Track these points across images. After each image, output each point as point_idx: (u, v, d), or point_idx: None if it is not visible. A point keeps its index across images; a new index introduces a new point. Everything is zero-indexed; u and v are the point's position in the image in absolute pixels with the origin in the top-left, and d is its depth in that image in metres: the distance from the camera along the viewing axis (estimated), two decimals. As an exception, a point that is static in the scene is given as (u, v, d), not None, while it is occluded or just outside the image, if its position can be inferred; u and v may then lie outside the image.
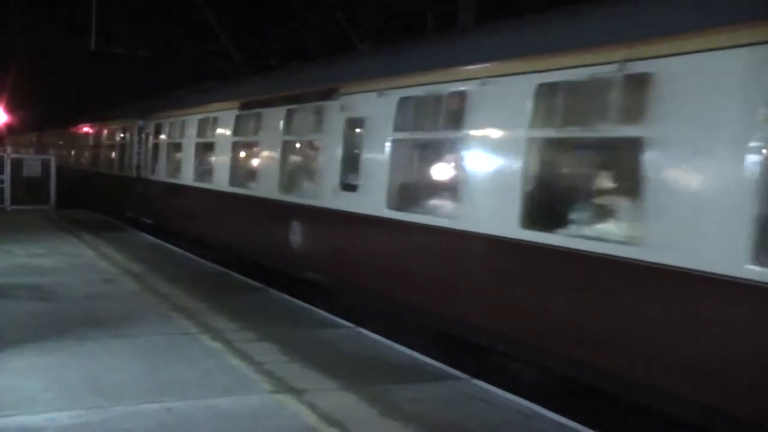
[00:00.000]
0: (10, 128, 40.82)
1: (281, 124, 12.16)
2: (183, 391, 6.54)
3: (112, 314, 9.33)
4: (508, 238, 7.16)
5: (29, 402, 6.08)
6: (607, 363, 6.20)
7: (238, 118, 13.90)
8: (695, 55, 5.67)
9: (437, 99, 8.49)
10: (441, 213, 8.40)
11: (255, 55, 24.31)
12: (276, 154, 12.25)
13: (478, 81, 7.81)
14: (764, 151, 5.16)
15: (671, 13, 6.22)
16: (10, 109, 36.37)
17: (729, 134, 5.41)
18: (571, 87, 6.74)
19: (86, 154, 28.75)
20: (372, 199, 9.40)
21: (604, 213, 6.60)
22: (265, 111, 12.77)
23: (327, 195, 10.46)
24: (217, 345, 8.12)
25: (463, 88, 8.05)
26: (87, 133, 28.76)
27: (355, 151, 9.98)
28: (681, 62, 5.76)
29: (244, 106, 13.67)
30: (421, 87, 8.78)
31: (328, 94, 10.70)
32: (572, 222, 6.76)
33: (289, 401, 6.40)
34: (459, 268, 7.98)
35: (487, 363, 8.10)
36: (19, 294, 10.29)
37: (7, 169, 23.25)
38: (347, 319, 9.68)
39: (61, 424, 5.66)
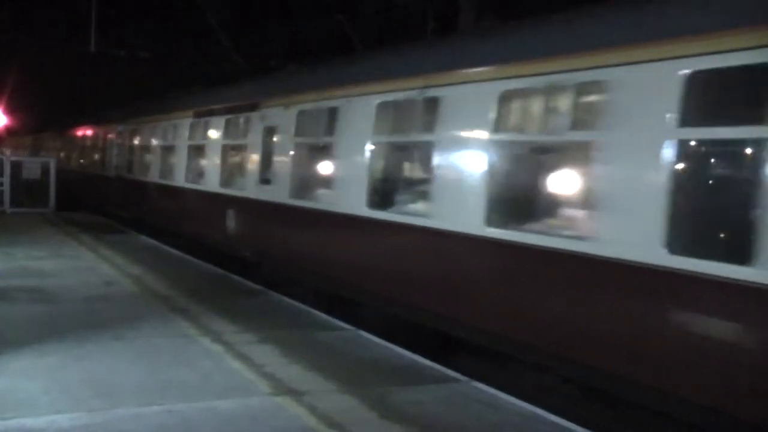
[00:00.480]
0: (9, 131, 40.84)
1: (221, 130, 14.89)
2: (183, 393, 6.55)
3: (112, 316, 9.34)
4: (359, 215, 9.73)
5: (30, 404, 6.09)
6: (492, 324, 7.62)
7: (191, 125, 16.60)
8: (463, 86, 8.19)
9: (321, 112, 11.06)
10: (324, 199, 10.85)
11: (255, 56, 24.33)
12: (218, 156, 14.94)
13: (345, 99, 10.31)
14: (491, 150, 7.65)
15: (451, 55, 8.92)
16: (10, 111, 36.40)
17: (477, 138, 7.86)
18: (396, 105, 9.39)
19: (75, 156, 30.38)
20: (281, 191, 11.94)
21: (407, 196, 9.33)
22: (211, 119, 15.47)
23: (251, 188, 13.05)
24: (217, 347, 8.14)
25: (335, 105, 10.56)
26: (77, 136, 30.42)
27: (270, 152, 12.49)
28: (456, 90, 8.27)
29: (196, 115, 16.35)
30: (310, 103, 11.45)
31: (253, 107, 13.33)
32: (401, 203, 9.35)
33: (289, 403, 6.41)
34: (329, 239, 10.75)
35: (486, 365, 8.13)
36: (19, 296, 10.30)
37: (7, 171, 23.23)
38: (347, 322, 9.70)
39: (61, 426, 5.66)
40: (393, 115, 9.45)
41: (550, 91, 6.98)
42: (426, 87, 8.58)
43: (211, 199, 14.81)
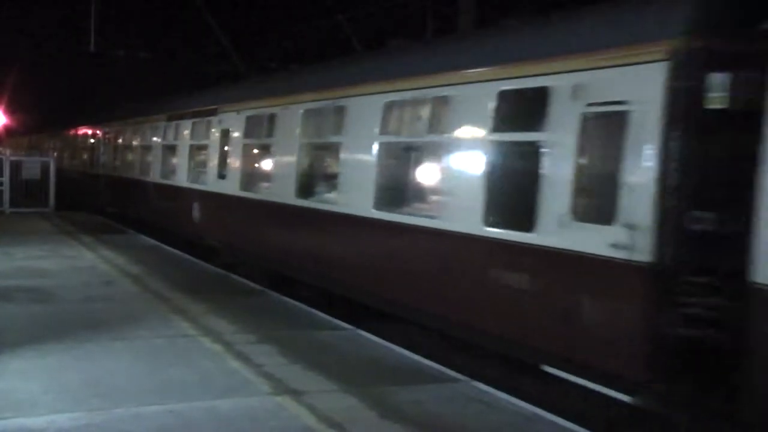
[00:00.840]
0: (9, 130, 40.84)
1: (189, 132, 17.11)
2: (183, 393, 6.55)
3: (111, 316, 9.34)
4: (288, 203, 11.87)
5: (29, 404, 6.09)
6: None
7: (165, 127, 18.81)
8: (358, 98, 10.28)
9: (262, 117, 13.28)
10: (264, 191, 13.05)
11: (255, 57, 24.34)
12: (186, 154, 17.20)
13: (280, 107, 12.52)
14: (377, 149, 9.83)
15: (351, 74, 11.15)
16: (10, 111, 36.40)
17: (369, 139, 9.92)
18: (317, 112, 11.42)
19: (67, 155, 31.59)
20: (232, 184, 14.13)
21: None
22: (180, 122, 17.72)
23: (212, 182, 15.20)
24: (217, 347, 8.14)
25: (272, 112, 12.86)
26: (69, 136, 31.96)
27: (225, 151, 14.67)
28: (356, 101, 10.33)
29: (169, 118, 18.58)
30: (254, 109, 13.70)
31: (213, 112, 15.55)
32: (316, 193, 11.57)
33: (288, 403, 6.42)
34: (260, 222, 13.20)
35: (486, 365, 8.15)
36: (18, 296, 10.30)
37: (6, 171, 23.22)
38: (347, 321, 9.70)
39: (61, 426, 5.67)
40: (315, 120, 11.55)
41: (416, 102, 9.09)
42: (337, 98, 10.73)
43: (181, 193, 17.00)
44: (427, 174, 9.28)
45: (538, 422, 6.32)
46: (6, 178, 23.16)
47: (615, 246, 6.12)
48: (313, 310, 10.37)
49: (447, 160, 8.38)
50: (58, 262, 13.51)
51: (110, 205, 23.68)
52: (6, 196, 23.07)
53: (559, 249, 6.73)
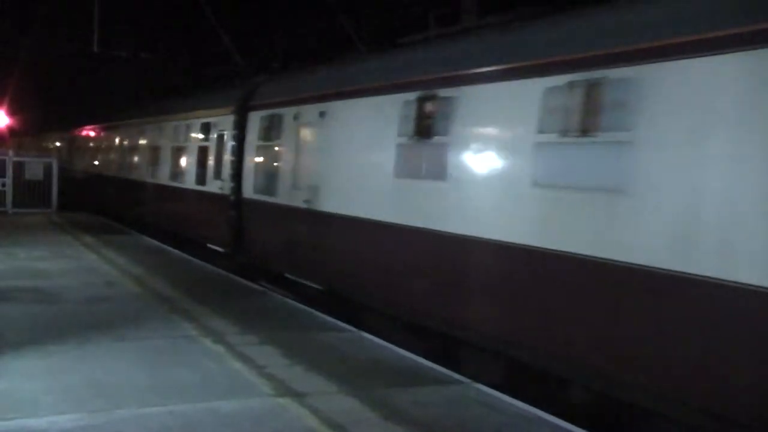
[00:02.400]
0: (11, 131, 40.86)
1: (150, 134, 20.61)
2: (185, 394, 6.55)
3: (113, 317, 9.34)
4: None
5: (31, 405, 6.08)
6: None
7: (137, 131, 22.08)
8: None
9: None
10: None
11: (257, 57, 24.32)
12: (147, 154, 20.80)
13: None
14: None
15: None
16: (13, 111, 36.41)
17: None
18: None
19: (63, 154, 32.89)
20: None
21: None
22: (147, 126, 21.23)
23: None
24: (218, 348, 8.13)
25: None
26: (63, 137, 34.25)
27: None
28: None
29: (145, 122, 21.58)
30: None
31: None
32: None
33: (290, 405, 6.41)
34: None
35: (488, 367, 8.12)
36: (21, 297, 10.31)
37: (9, 171, 23.24)
38: (349, 323, 9.69)
39: (63, 427, 5.66)
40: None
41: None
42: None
43: (147, 187, 20.14)
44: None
45: (540, 424, 6.31)
46: (9, 179, 23.18)
47: None
48: (315, 312, 10.37)
49: None
50: (60, 262, 13.51)
51: (97, 202, 25.59)
52: (9, 197, 23.10)
53: None
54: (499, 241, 7.57)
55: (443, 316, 8.44)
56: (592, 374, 6.61)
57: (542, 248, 7.04)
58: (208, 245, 15.70)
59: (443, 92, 8.65)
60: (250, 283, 12.44)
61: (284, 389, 6.81)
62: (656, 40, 6.22)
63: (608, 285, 6.39)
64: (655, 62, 6.17)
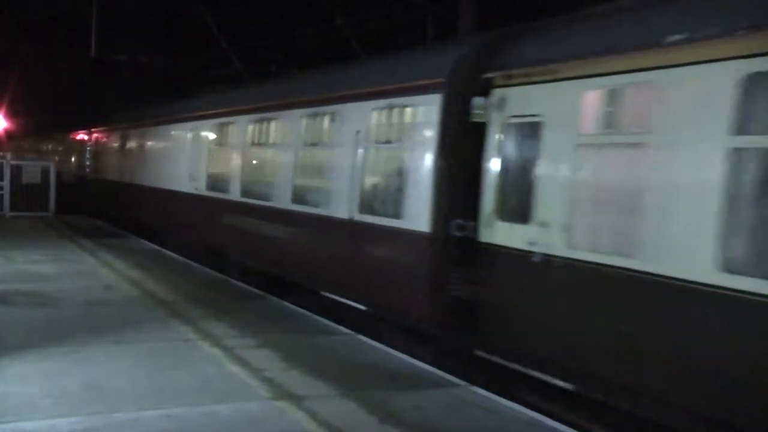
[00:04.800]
0: (9, 134, 40.83)
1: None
2: (183, 397, 6.56)
3: (111, 321, 9.34)
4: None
5: (29, 408, 6.09)
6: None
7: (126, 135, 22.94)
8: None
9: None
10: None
11: (255, 61, 24.36)
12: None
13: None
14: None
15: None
16: (11, 115, 36.39)
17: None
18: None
19: (57, 157, 32.88)
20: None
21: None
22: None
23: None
24: (216, 351, 8.14)
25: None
26: (57, 140, 35.10)
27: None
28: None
29: (136, 127, 22.08)
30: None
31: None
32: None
33: (288, 408, 6.42)
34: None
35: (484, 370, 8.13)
36: (19, 300, 10.30)
37: (7, 175, 23.23)
38: (346, 326, 9.70)
39: (61, 430, 5.67)
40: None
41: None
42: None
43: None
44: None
45: (537, 427, 6.32)
46: (6, 183, 23.17)
47: None
48: (313, 315, 10.37)
49: None
50: (59, 266, 13.51)
51: (89, 204, 26.17)
52: (6, 201, 23.08)
53: None
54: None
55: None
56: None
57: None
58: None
59: None
60: (248, 287, 12.44)
61: (282, 392, 6.81)
62: None
63: None
64: None
